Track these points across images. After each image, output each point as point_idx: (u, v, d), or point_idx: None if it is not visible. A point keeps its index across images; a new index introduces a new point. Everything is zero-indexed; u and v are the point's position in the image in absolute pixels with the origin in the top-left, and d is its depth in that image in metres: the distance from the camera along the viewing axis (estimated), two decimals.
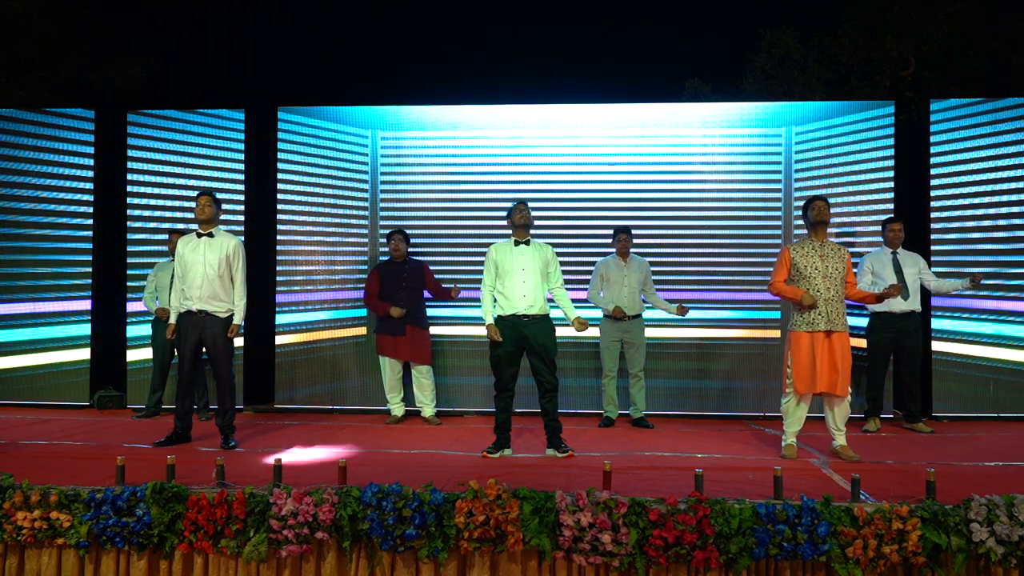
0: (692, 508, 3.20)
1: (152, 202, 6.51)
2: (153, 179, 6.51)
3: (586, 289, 5.93)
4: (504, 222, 4.83)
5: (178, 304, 4.87)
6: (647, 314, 5.90)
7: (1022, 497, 3.20)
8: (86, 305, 6.57)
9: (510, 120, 6.47)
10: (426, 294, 6.04)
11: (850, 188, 6.22)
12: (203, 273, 4.77)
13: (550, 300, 4.74)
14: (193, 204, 4.87)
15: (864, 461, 4.41)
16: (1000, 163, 6.15)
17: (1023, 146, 6.14)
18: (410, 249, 6.07)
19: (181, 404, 4.91)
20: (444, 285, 5.97)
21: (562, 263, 4.88)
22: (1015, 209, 6.13)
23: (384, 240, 6.42)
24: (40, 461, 4.30)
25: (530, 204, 4.79)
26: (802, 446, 4.78)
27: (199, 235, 4.87)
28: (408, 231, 6.09)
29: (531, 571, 3.32)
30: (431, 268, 6.10)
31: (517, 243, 4.67)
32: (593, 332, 5.98)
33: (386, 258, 6.12)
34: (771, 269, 4.85)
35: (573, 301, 4.79)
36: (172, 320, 4.90)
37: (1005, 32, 8.96)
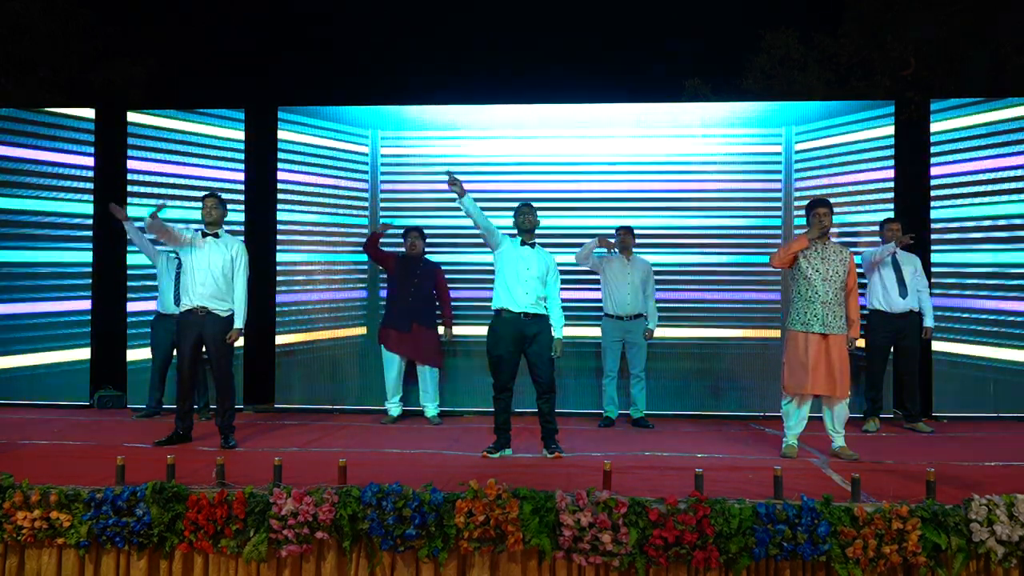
0: (692, 508, 3.20)
1: (152, 202, 6.49)
2: (153, 179, 6.50)
3: (586, 289, 5.91)
4: (505, 221, 4.83)
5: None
6: None
7: (1022, 497, 3.20)
8: (86, 305, 6.57)
9: (510, 120, 6.47)
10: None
11: (850, 188, 6.21)
12: (207, 273, 4.80)
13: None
14: (193, 203, 4.89)
15: (864, 461, 4.40)
16: (1000, 163, 6.15)
17: (1023, 146, 6.14)
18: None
19: (182, 404, 4.91)
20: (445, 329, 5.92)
21: (560, 263, 4.89)
22: (1015, 209, 6.13)
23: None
24: (40, 461, 4.29)
25: (529, 203, 4.76)
26: (802, 446, 4.78)
27: (204, 235, 4.90)
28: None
29: (531, 571, 3.32)
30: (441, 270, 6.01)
31: (523, 244, 4.72)
32: (594, 332, 6.00)
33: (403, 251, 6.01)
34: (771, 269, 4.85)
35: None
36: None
37: (1005, 32, 8.97)
